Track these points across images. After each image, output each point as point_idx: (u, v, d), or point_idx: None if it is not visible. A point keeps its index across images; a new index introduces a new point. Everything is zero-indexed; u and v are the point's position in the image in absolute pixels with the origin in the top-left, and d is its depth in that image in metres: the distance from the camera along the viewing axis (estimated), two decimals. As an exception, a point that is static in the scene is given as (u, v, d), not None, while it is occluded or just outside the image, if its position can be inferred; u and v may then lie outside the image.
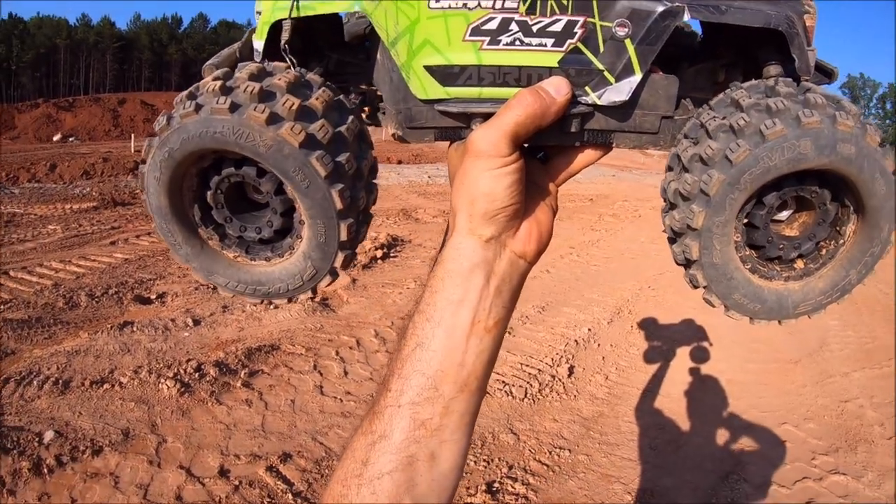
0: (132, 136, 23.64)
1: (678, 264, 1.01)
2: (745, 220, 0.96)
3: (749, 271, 0.99)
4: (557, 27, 0.94)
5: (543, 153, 1.07)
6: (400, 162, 24.79)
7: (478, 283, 0.88)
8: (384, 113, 1.07)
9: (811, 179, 0.93)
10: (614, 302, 7.97)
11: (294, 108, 0.82)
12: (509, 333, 6.10)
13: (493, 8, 0.93)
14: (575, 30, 0.94)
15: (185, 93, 0.87)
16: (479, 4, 0.92)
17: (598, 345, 6.19)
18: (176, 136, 0.84)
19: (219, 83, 0.84)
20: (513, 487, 4.26)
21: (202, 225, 0.95)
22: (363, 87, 1.10)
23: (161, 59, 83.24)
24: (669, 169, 1.01)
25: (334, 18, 1.03)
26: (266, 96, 0.83)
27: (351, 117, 0.92)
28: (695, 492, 4.41)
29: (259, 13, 0.99)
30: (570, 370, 5.60)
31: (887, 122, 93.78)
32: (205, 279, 0.99)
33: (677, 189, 0.96)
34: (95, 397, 4.55)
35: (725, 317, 1.01)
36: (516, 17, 0.93)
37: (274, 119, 0.81)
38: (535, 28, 0.95)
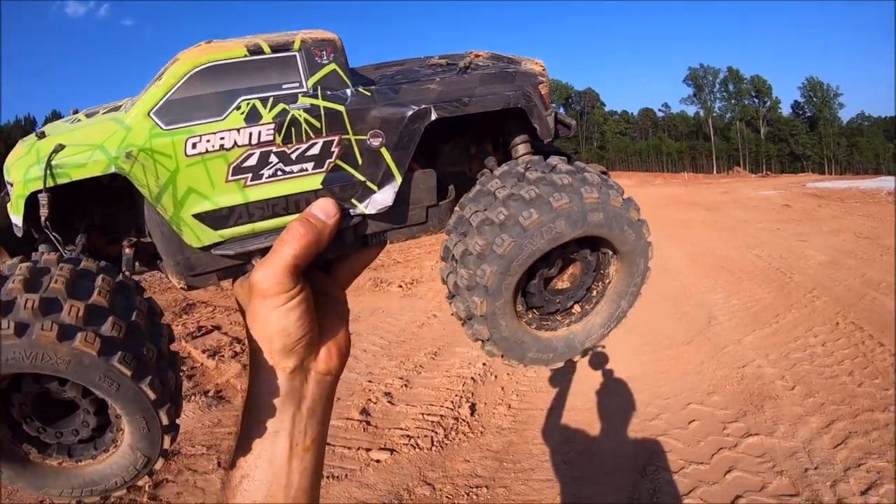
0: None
1: (459, 319, 1.09)
2: (523, 290, 1.05)
3: (535, 329, 1.10)
4: (315, 150, 0.97)
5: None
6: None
7: (290, 411, 0.95)
8: (161, 260, 1.02)
9: (571, 244, 1.04)
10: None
11: (82, 314, 0.76)
12: (406, 386, 5.91)
13: (250, 144, 0.94)
14: (332, 149, 0.98)
15: None
16: (235, 143, 0.93)
17: (496, 377, 6.13)
18: None
19: None
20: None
21: (16, 442, 0.87)
22: (133, 237, 1.05)
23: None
24: (444, 259, 1.09)
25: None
26: (49, 306, 0.76)
27: (138, 297, 0.86)
28: (617, 492, 4.33)
29: (11, 184, 0.92)
30: (472, 408, 5.49)
31: (732, 101, 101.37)
32: (38, 493, 0.90)
33: (456, 282, 1.05)
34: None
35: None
36: (274, 149, 0.95)
37: (66, 333, 0.75)
38: (293, 156, 0.97)
